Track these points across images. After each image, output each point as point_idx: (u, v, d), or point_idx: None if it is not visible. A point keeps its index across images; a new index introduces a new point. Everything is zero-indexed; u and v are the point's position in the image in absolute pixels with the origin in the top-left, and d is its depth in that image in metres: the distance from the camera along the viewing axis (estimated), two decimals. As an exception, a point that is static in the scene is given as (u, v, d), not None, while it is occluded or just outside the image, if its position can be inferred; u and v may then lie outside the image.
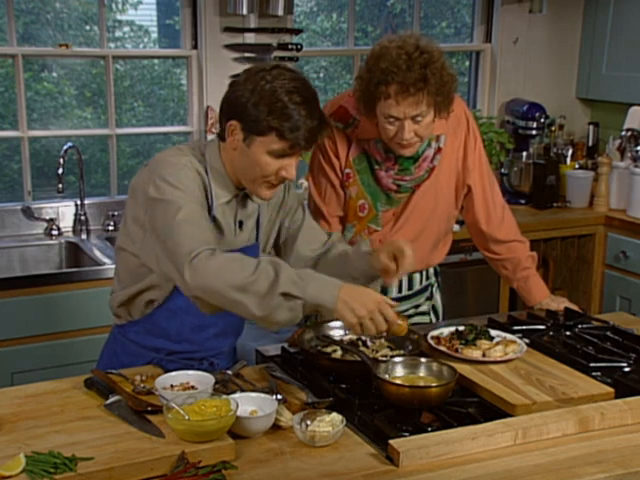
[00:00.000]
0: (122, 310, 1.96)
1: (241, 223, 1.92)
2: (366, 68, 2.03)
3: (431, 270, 2.40)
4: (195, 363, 1.93)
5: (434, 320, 2.41)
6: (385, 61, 1.96)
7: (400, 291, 2.34)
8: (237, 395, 1.67)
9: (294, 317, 1.69)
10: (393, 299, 2.31)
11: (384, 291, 2.32)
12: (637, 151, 3.77)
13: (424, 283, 2.38)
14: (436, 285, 2.44)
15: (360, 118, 2.16)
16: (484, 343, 1.97)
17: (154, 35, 3.78)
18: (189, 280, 1.67)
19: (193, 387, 1.71)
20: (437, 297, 2.45)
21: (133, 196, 1.85)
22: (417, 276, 2.36)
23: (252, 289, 1.64)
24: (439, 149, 2.19)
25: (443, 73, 1.98)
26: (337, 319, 1.77)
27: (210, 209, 1.84)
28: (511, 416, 1.66)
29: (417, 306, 2.38)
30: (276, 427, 1.62)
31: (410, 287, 2.35)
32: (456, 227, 2.41)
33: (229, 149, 1.82)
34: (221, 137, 1.85)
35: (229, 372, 1.84)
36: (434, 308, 2.44)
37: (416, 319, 2.35)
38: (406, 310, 2.35)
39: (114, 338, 2.02)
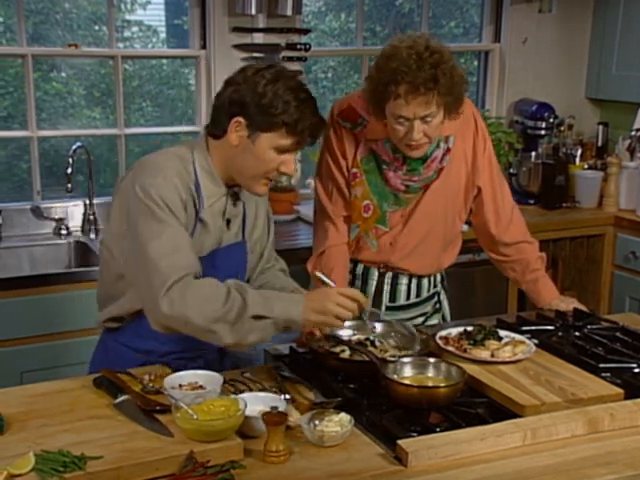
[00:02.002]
0: (111, 322, 1.97)
1: (229, 221, 1.93)
2: (376, 68, 2.03)
3: (438, 276, 2.39)
4: (187, 363, 1.92)
5: None
6: (395, 61, 1.96)
7: (408, 298, 2.33)
8: (245, 395, 1.68)
9: (265, 336, 1.77)
10: (400, 307, 2.33)
11: (392, 297, 2.32)
12: (647, 151, 3.76)
13: (432, 290, 2.38)
14: (443, 292, 2.43)
15: (369, 118, 2.16)
16: (493, 343, 1.97)
17: (163, 35, 3.78)
18: (167, 311, 1.71)
19: (201, 387, 1.71)
20: (445, 305, 2.44)
21: (119, 199, 1.85)
22: (425, 282, 2.35)
23: (225, 319, 1.72)
24: (448, 150, 2.18)
25: (453, 73, 1.98)
26: (306, 328, 1.85)
27: (198, 211, 1.84)
28: (520, 417, 1.66)
29: (424, 314, 2.38)
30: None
31: (418, 294, 2.34)
32: (464, 227, 2.40)
33: (226, 146, 1.83)
34: (214, 135, 1.85)
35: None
36: (443, 318, 2.43)
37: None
38: (414, 317, 2.35)
39: (104, 343, 2.01)
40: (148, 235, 1.75)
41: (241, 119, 1.79)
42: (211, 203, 1.87)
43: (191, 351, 1.94)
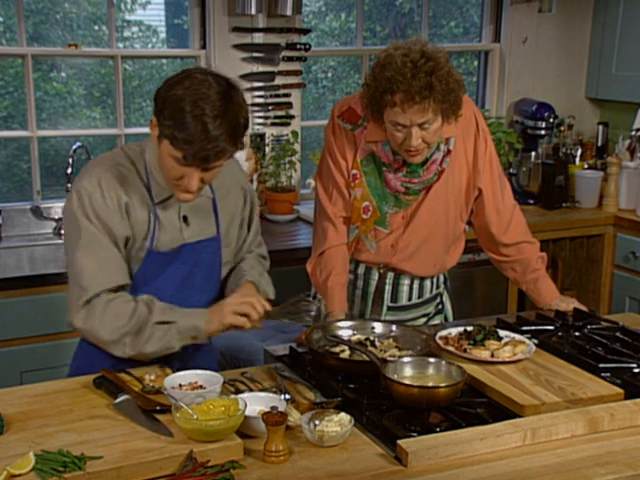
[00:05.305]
0: None
1: (185, 218, 1.92)
2: (372, 76, 2.03)
3: (441, 277, 2.39)
4: (162, 359, 1.90)
5: None
6: (390, 69, 1.96)
7: (410, 299, 2.33)
8: (245, 395, 1.68)
9: (167, 343, 1.82)
10: (402, 307, 2.33)
11: (394, 297, 2.32)
12: (646, 151, 3.76)
13: (434, 291, 2.37)
14: (445, 293, 2.43)
15: (368, 120, 2.15)
16: (493, 343, 1.97)
17: (162, 35, 3.78)
18: (79, 325, 1.83)
19: (202, 387, 1.72)
20: (448, 307, 2.44)
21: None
22: (428, 283, 2.35)
23: (130, 331, 1.80)
24: (448, 152, 2.18)
25: (449, 80, 1.97)
26: (211, 335, 1.87)
27: (153, 207, 1.85)
28: (520, 417, 1.66)
29: (426, 315, 2.38)
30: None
31: (420, 295, 2.34)
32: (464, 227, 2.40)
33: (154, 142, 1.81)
34: None
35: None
36: (446, 319, 2.43)
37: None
38: (416, 318, 2.35)
39: (82, 345, 2.00)
40: (74, 245, 1.82)
41: (154, 118, 1.76)
42: (161, 199, 1.86)
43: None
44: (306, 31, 3.68)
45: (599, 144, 4.17)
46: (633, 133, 3.86)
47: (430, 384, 1.74)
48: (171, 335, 1.81)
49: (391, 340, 2.01)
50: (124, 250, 1.86)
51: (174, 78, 1.75)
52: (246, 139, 3.59)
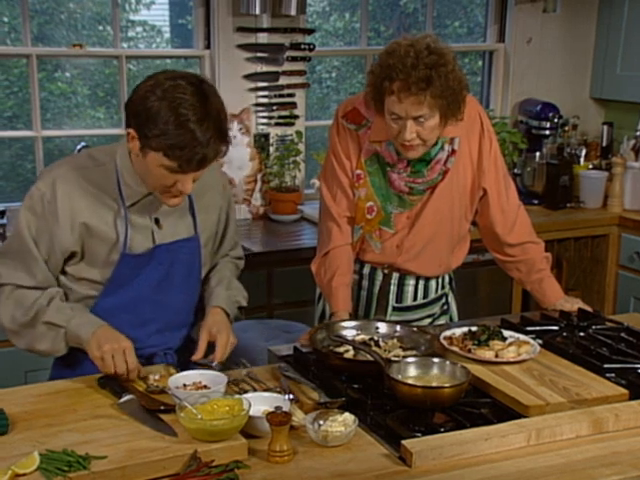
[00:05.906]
0: None
1: (157, 220, 1.91)
2: (377, 63, 2.04)
3: (447, 278, 2.39)
4: (143, 361, 1.90)
5: None
6: (394, 57, 1.96)
7: (415, 299, 2.33)
8: (249, 395, 1.68)
9: (56, 346, 1.84)
10: (407, 307, 2.32)
11: (399, 298, 2.31)
12: (651, 151, 3.75)
13: (440, 292, 2.37)
14: (451, 294, 2.43)
15: (373, 120, 2.15)
16: (497, 344, 1.96)
17: (167, 35, 3.79)
18: None
19: (206, 386, 1.72)
20: (453, 308, 2.44)
21: None
22: (433, 283, 2.34)
23: (24, 322, 1.83)
24: (453, 151, 2.17)
25: (450, 77, 1.96)
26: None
27: (124, 210, 1.84)
28: (524, 417, 1.66)
29: (432, 315, 2.37)
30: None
31: (425, 295, 2.34)
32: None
33: (132, 153, 1.80)
34: None
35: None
36: (451, 319, 2.43)
37: None
38: (421, 319, 2.34)
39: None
40: (7, 244, 1.91)
41: (133, 131, 1.73)
42: (132, 202, 1.85)
43: (147, 349, 1.92)
44: (310, 31, 3.68)
45: (604, 144, 4.16)
46: (638, 133, 3.86)
47: (434, 384, 1.74)
48: (59, 338, 1.83)
49: (395, 340, 2.01)
50: (61, 261, 1.86)
51: (143, 88, 1.72)
52: (250, 139, 3.60)
